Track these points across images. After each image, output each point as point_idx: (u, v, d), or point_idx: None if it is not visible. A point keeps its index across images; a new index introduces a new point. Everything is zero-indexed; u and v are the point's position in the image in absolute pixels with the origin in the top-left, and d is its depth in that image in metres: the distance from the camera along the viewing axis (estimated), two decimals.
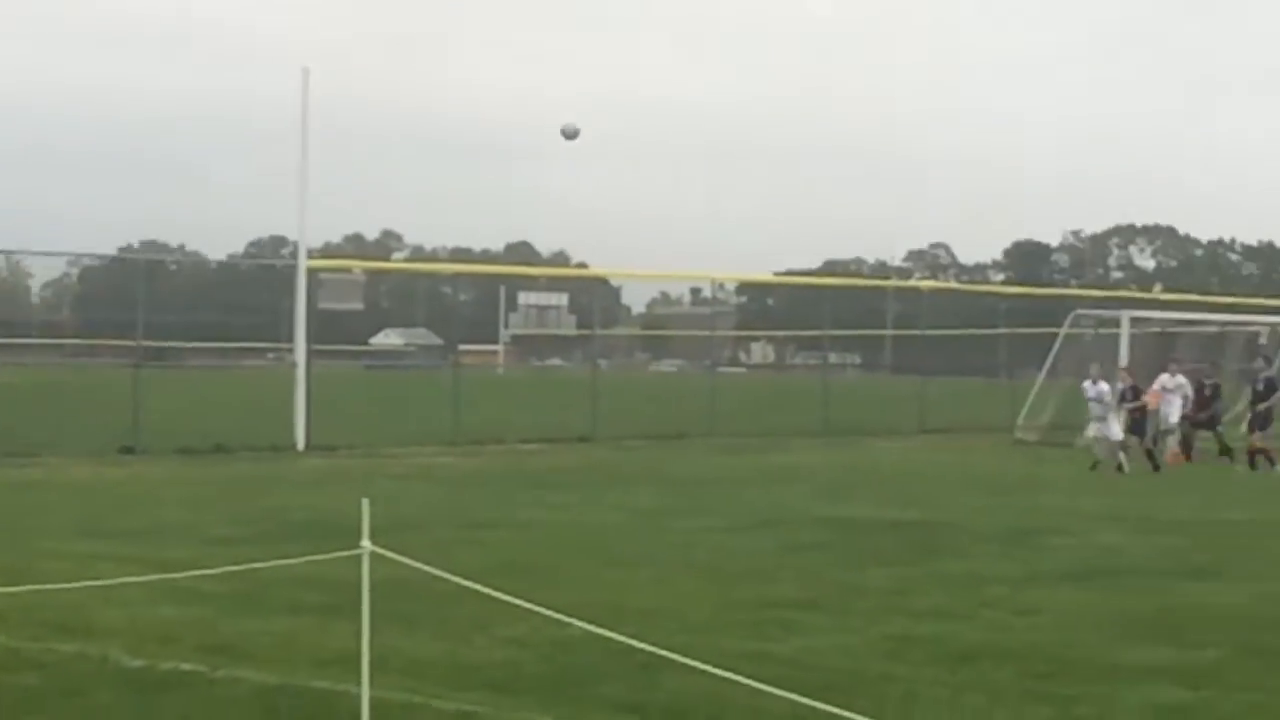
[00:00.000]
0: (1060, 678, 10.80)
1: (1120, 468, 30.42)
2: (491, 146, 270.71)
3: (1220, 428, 34.81)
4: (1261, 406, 32.81)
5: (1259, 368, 35.83)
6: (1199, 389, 34.68)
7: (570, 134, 33.84)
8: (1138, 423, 32.09)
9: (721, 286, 65.78)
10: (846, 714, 9.24)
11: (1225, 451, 33.79)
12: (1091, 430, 32.63)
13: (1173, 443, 33.94)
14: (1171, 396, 33.97)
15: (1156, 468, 31.10)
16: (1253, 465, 31.67)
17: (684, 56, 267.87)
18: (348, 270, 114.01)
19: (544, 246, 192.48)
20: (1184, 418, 34.26)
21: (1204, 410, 34.53)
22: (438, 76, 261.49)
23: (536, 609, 12.69)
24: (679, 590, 14.64)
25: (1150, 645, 12.12)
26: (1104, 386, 31.86)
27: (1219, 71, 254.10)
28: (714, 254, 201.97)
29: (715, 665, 10.56)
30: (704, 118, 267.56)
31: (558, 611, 12.60)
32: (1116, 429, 31.49)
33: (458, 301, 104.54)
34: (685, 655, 10.87)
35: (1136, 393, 32.38)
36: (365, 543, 6.19)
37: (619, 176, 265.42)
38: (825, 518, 21.33)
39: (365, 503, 8.07)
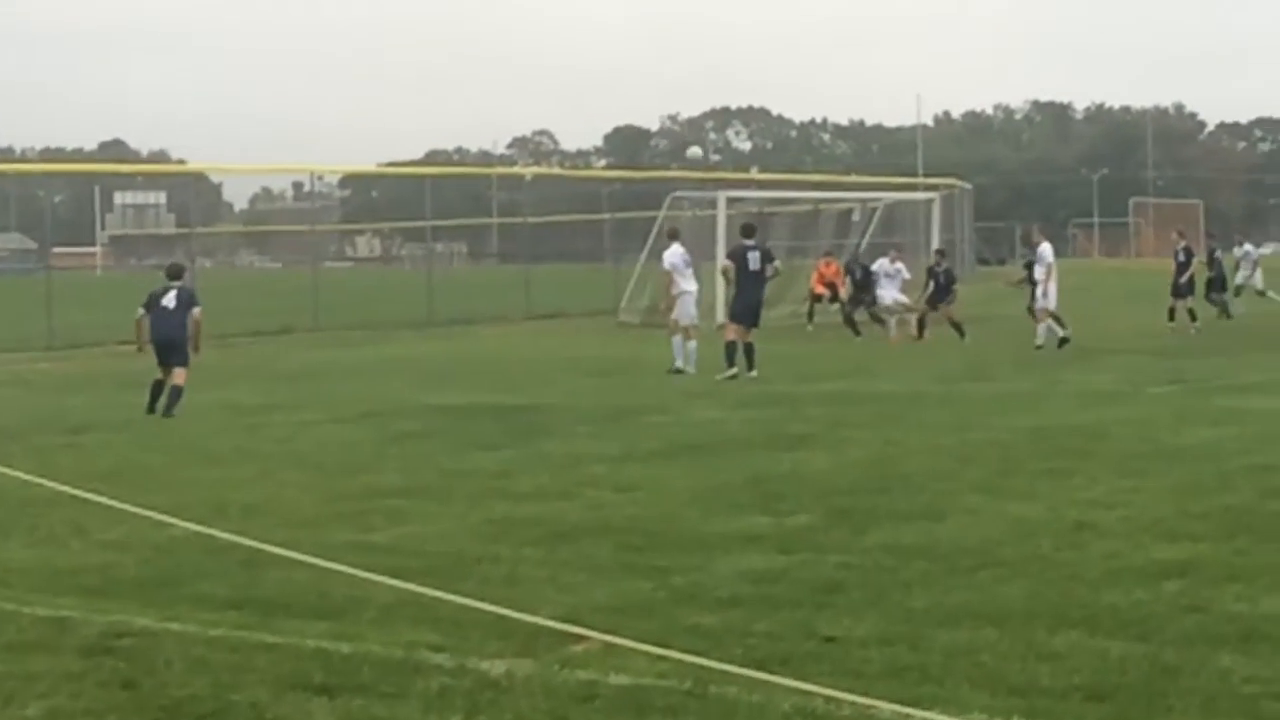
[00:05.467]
0: (657, 550, 11.06)
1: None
2: (79, 41, 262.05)
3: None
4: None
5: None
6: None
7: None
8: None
9: (322, 179, 64.86)
10: (448, 595, 9.42)
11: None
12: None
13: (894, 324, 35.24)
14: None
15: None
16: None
17: None
18: None
19: (141, 145, 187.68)
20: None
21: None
22: None
23: (135, 510, 12.58)
24: (282, 485, 14.57)
25: (744, 514, 12.48)
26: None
27: None
28: (316, 148, 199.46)
29: (318, 557, 10.63)
30: (291, 8, 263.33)
31: (158, 512, 12.52)
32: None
33: (51, 203, 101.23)
34: (288, 549, 10.91)
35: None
36: None
37: (212, 72, 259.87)
38: (429, 406, 21.41)
39: None
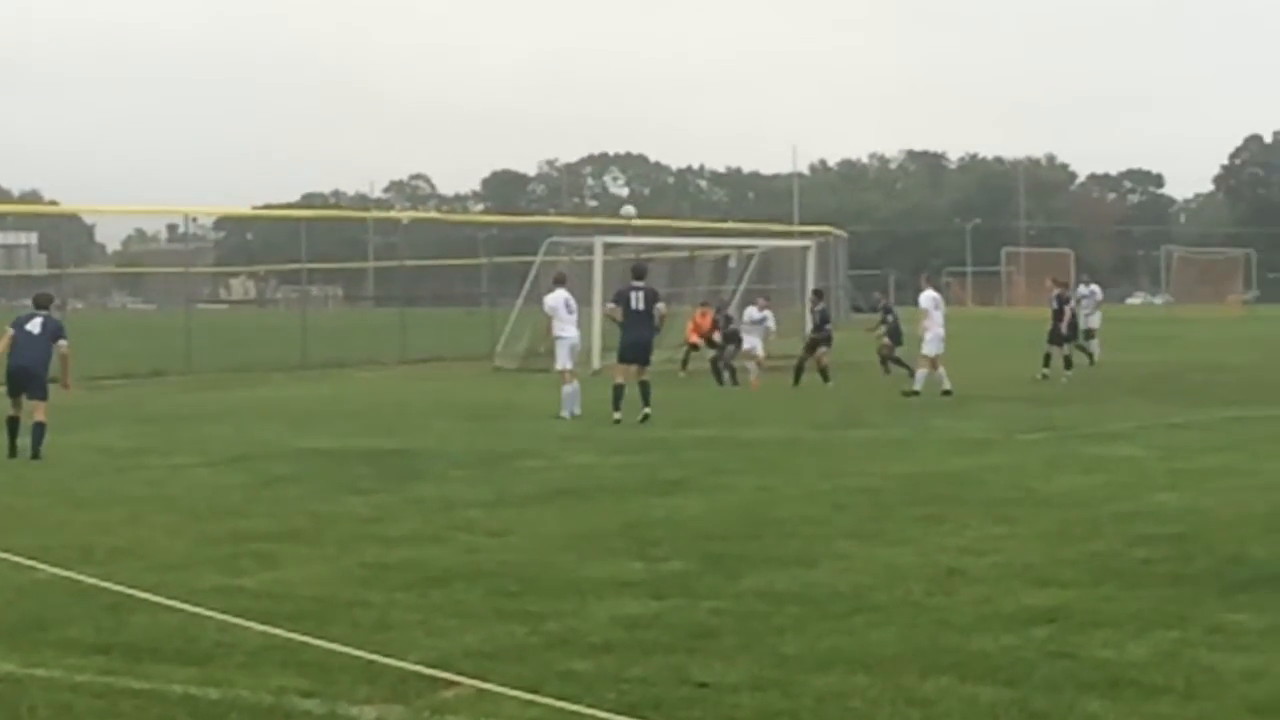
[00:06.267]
0: (531, 595, 11.02)
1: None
2: None
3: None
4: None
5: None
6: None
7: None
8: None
9: (196, 221, 64.37)
10: (317, 641, 9.34)
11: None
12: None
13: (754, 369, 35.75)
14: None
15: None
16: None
17: None
18: None
19: (12, 185, 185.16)
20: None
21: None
22: None
23: None
24: (151, 529, 14.38)
25: (618, 560, 12.47)
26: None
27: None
28: (191, 190, 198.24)
29: (186, 601, 10.52)
30: (166, 51, 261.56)
31: (22, 556, 12.35)
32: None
33: None
34: (156, 593, 10.80)
35: None
36: None
37: (86, 113, 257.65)
38: (301, 449, 21.26)
39: None
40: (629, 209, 43.61)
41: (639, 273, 26.62)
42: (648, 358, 25.64)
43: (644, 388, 25.12)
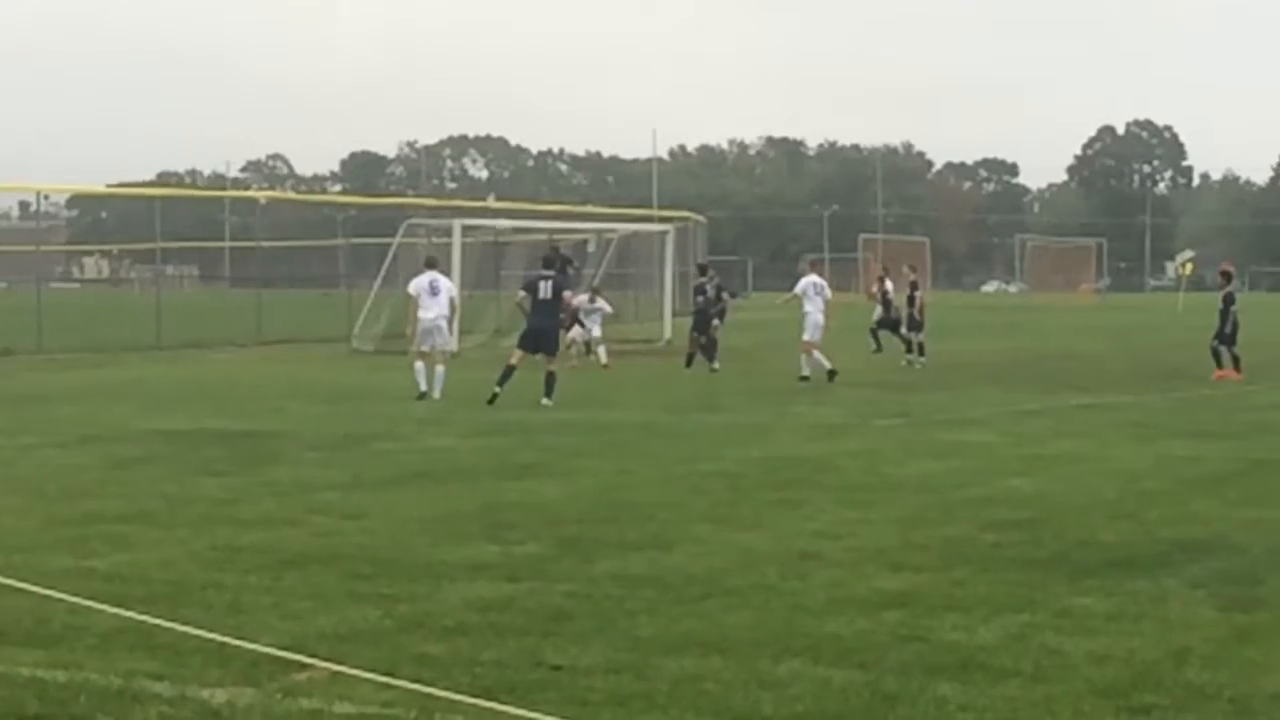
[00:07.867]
0: (385, 578, 10.97)
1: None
2: None
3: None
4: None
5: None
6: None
7: None
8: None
9: (48, 198, 63.53)
10: (168, 623, 9.26)
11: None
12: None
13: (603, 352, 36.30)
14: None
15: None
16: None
17: None
18: None
19: None
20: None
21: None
22: None
23: None
24: (0, 510, 14.17)
25: (473, 543, 12.45)
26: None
27: None
28: (42, 166, 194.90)
29: (35, 583, 10.37)
30: (17, 25, 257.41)
31: None
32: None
33: None
34: (3, 575, 10.65)
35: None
36: None
37: None
38: (154, 431, 21.01)
39: None
40: (566, 250, 44.29)
41: (549, 262, 27.03)
42: (552, 347, 25.80)
43: (549, 379, 25.22)
